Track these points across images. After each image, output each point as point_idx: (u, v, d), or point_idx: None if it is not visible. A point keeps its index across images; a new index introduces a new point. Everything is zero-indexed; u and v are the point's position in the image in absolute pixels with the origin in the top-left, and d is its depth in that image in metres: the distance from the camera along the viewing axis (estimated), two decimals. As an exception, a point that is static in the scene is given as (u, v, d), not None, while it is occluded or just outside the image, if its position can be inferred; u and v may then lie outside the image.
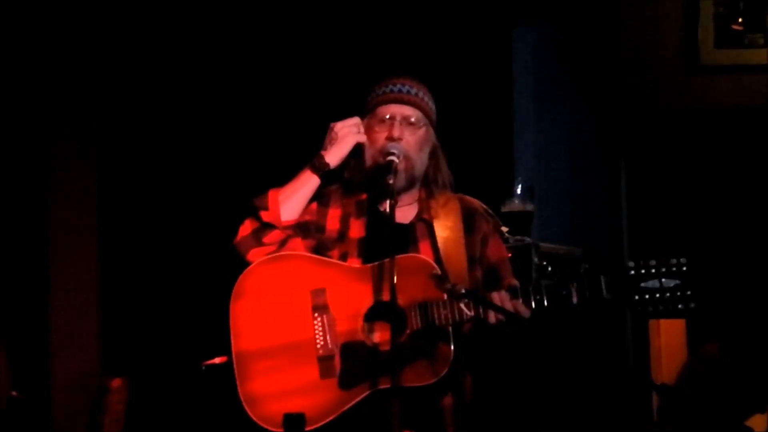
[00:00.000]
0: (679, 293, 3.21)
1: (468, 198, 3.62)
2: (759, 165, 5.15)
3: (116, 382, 4.56)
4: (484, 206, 3.88)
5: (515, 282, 3.43)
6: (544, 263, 4.40)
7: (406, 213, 3.50)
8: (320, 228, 3.51)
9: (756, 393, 3.64)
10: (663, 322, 4.71)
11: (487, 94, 5.25)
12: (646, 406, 4.65)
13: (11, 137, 5.20)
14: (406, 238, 3.45)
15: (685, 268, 3.22)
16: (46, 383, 5.07)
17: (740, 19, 5.50)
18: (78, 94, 5.26)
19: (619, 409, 4.91)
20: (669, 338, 4.73)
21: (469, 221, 3.53)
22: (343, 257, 3.45)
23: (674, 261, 3.23)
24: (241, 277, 3.41)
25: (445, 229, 3.48)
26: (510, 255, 4.12)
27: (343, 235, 3.50)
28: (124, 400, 4.54)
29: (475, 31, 5.25)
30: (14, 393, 4.19)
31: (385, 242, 3.31)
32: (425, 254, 3.41)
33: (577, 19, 5.39)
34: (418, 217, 3.50)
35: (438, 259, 3.40)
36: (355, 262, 3.44)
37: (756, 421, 3.58)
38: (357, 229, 3.50)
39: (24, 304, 5.11)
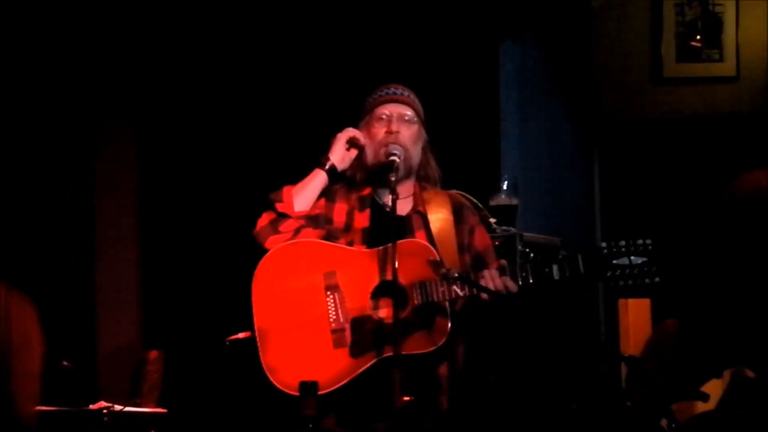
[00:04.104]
0: (645, 269, 3.31)
1: (455, 193, 3.71)
2: (714, 163, 5.13)
3: (153, 354, 4.59)
4: (472, 198, 3.97)
5: (504, 261, 3.48)
6: (527, 250, 4.42)
7: (403, 206, 3.54)
8: (329, 220, 3.57)
9: (710, 362, 3.63)
10: (630, 302, 4.68)
11: (478, 101, 5.28)
12: (616, 374, 4.62)
13: (60, 125, 5.16)
14: (403, 228, 3.50)
15: (650, 248, 3.31)
16: (93, 354, 5.07)
17: (698, 37, 5.55)
18: (120, 82, 5.21)
19: (593, 377, 4.87)
20: (636, 316, 4.69)
21: (458, 213, 3.58)
22: (350, 245, 3.51)
23: (641, 242, 3.32)
24: (261, 261, 3.45)
25: (437, 220, 3.54)
26: (497, 243, 4.12)
27: (348, 226, 3.55)
28: (161, 370, 4.55)
29: (466, 47, 5.27)
30: (65, 363, 4.17)
31: (386, 232, 3.37)
32: None
33: (556, 36, 5.42)
34: (414, 209, 3.56)
35: (432, 246, 3.44)
36: (359, 248, 3.49)
37: (712, 387, 3.65)
38: (361, 221, 3.56)
39: (74, 286, 5.11)
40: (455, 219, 3.56)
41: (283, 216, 3.53)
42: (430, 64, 5.18)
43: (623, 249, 3.33)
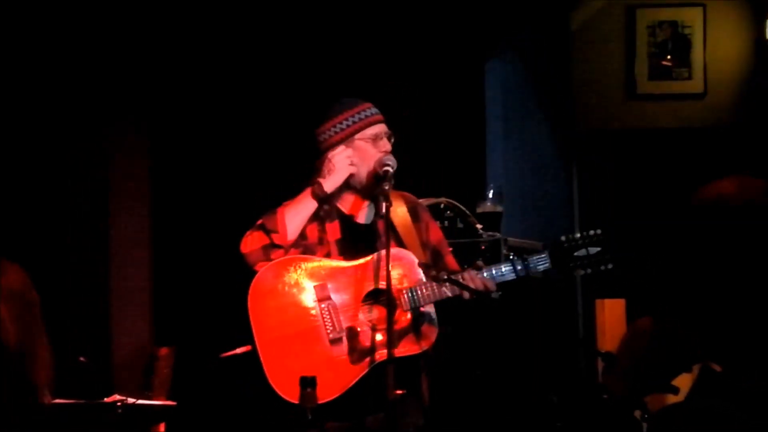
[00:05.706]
0: (600, 257, 3.45)
1: (407, 194, 3.69)
2: (683, 172, 5.25)
3: (164, 351, 4.62)
4: (460, 206, 4.09)
5: (480, 262, 3.55)
6: (512, 254, 4.26)
7: (366, 213, 3.59)
8: (304, 236, 3.55)
9: (680, 357, 3.63)
10: (607, 301, 4.79)
11: (465, 116, 5.37)
12: (593, 369, 4.77)
13: (73, 128, 5.06)
14: (372, 235, 3.52)
15: (602, 237, 3.45)
16: (108, 351, 5.04)
17: (669, 57, 5.69)
18: (133, 84, 5.13)
19: (572, 371, 5.03)
20: (611, 314, 4.76)
21: (413, 212, 3.61)
22: (327, 257, 3.52)
23: (593, 233, 3.47)
24: (254, 280, 3.45)
25: (400, 224, 3.55)
26: (483, 248, 4.38)
27: (321, 239, 3.55)
28: (171, 366, 4.58)
29: (454, 65, 5.35)
30: (82, 359, 4.18)
31: (356, 240, 3.49)
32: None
33: (538, 56, 5.54)
34: (377, 215, 3.53)
35: (402, 247, 3.49)
36: (338, 259, 3.52)
37: (681, 380, 3.66)
38: (332, 233, 3.56)
39: (89, 287, 5.08)
40: (412, 218, 3.59)
41: (277, 246, 3.52)
42: (421, 82, 5.28)
43: (580, 242, 3.47)
